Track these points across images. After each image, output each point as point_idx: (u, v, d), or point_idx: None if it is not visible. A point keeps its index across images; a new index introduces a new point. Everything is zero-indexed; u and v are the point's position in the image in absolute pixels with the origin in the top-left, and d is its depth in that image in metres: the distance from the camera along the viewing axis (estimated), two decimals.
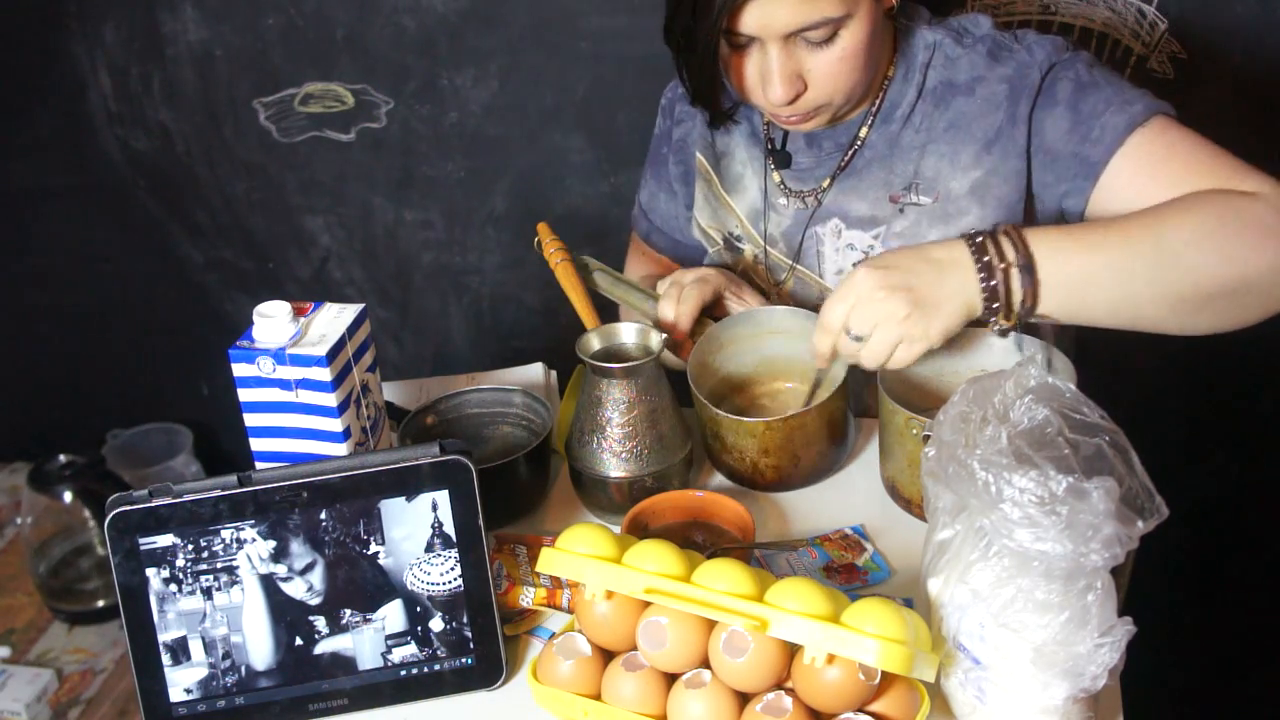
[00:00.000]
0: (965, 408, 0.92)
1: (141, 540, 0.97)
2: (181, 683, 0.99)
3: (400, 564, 1.00)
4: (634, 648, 0.95)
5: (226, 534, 0.98)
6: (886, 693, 0.90)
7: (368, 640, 1.01)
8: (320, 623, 1.00)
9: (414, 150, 2.00)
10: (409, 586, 1.00)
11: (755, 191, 1.39)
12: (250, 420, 1.09)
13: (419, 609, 1.01)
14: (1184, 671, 1.91)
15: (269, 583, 0.99)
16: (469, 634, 1.01)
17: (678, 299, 1.26)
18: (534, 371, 1.41)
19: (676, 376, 1.24)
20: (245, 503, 0.98)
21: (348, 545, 1.00)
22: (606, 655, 0.98)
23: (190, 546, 0.98)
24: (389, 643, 1.01)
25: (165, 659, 0.99)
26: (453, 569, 1.00)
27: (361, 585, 1.00)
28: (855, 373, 1.20)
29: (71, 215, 2.20)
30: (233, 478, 0.98)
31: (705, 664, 0.93)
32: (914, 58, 1.28)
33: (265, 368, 1.05)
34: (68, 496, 1.96)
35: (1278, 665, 1.98)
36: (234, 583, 0.99)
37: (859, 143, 1.31)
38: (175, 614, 0.99)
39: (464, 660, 1.02)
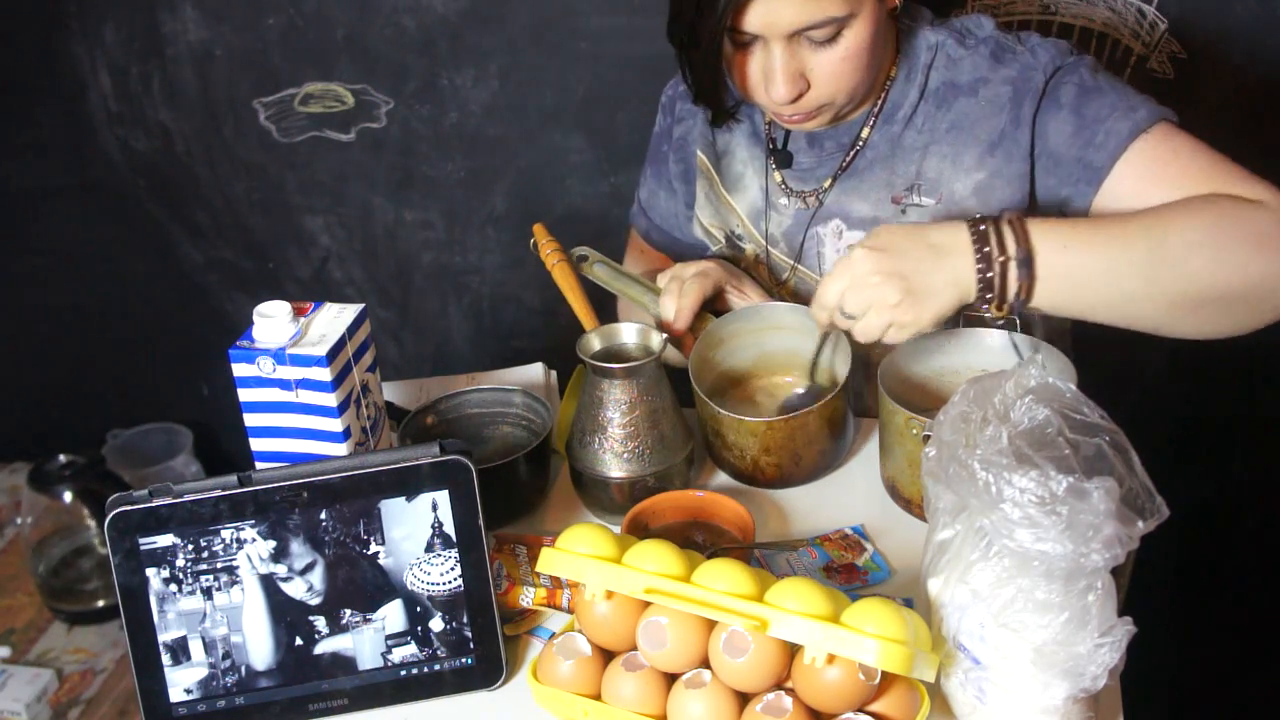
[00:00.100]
0: (965, 408, 0.92)
1: (141, 540, 0.97)
2: (181, 683, 0.99)
3: (400, 564, 1.00)
4: (634, 648, 0.95)
5: (226, 534, 0.98)
6: (886, 693, 0.90)
7: (368, 640, 1.01)
8: (320, 623, 1.00)
9: (414, 150, 2.00)
10: (409, 586, 1.00)
11: (756, 191, 1.39)
12: (250, 420, 1.09)
13: (419, 609, 1.01)
14: (1184, 671, 1.90)
15: (269, 583, 0.99)
16: (469, 634, 1.01)
17: (678, 293, 1.26)
18: (534, 371, 1.41)
19: (677, 375, 1.24)
20: (245, 503, 0.98)
21: (348, 545, 1.00)
22: (606, 655, 0.98)
23: (190, 546, 0.98)
24: (389, 643, 1.01)
25: (165, 659, 0.99)
26: (453, 569, 1.00)
27: (361, 585, 1.00)
28: (856, 373, 1.20)
29: (71, 215, 2.20)
30: (233, 478, 0.98)
31: (705, 664, 0.93)
32: (916, 58, 1.28)
33: (265, 368, 1.05)
34: (68, 496, 1.96)
35: (1278, 665, 1.98)
36: (234, 583, 0.99)
37: (861, 143, 1.31)
38: (175, 614, 0.99)
39: (464, 660, 1.02)
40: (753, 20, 1.14)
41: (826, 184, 1.34)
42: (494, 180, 2.00)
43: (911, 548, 1.09)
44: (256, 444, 1.10)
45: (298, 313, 1.08)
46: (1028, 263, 1.08)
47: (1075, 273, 1.09)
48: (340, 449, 1.08)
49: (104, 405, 2.38)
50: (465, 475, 0.99)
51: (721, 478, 1.26)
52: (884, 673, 0.89)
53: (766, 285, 1.38)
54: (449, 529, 1.00)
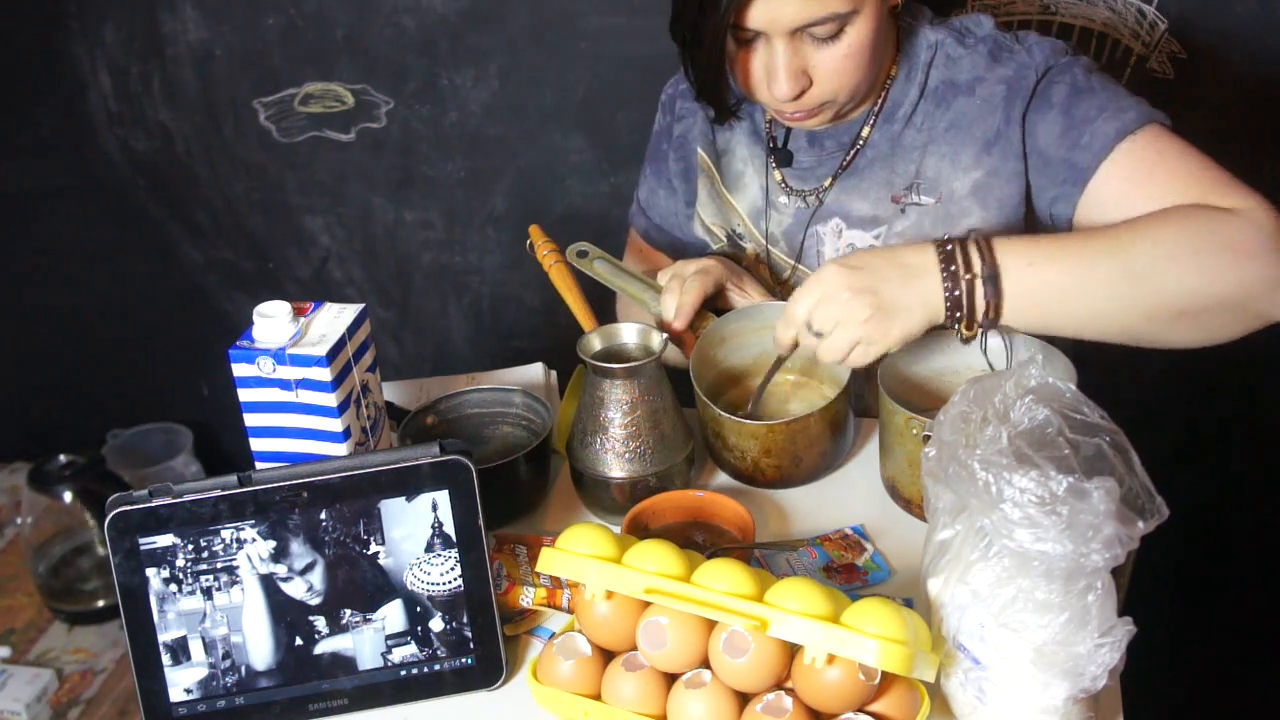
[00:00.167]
0: (965, 408, 0.92)
1: (141, 540, 0.97)
2: (181, 683, 0.99)
3: (400, 564, 1.00)
4: (634, 648, 0.95)
5: (226, 534, 0.98)
6: (886, 693, 0.90)
7: (368, 640, 1.01)
8: (320, 623, 1.00)
9: (414, 150, 2.00)
10: (409, 586, 1.00)
11: (756, 190, 1.39)
12: (250, 420, 1.09)
13: (419, 609, 1.01)
14: (1184, 671, 1.90)
15: (269, 583, 0.99)
16: (469, 634, 1.01)
17: (679, 290, 1.26)
18: (534, 371, 1.41)
19: (677, 375, 1.24)
20: (245, 503, 0.98)
21: (348, 545, 1.00)
22: (606, 655, 0.98)
23: (190, 546, 0.98)
24: (389, 643, 1.01)
25: (165, 659, 0.99)
26: (453, 569, 1.00)
27: (361, 585, 1.00)
28: (856, 374, 1.20)
29: (71, 215, 2.20)
30: (233, 478, 0.98)
31: (705, 664, 0.93)
32: (916, 57, 1.28)
33: (265, 368, 1.05)
34: (68, 496, 1.96)
35: (1278, 665, 1.98)
36: (234, 583, 0.99)
37: (861, 142, 1.31)
38: (175, 614, 0.99)
39: (464, 660, 1.02)
40: (756, 17, 1.14)
41: (826, 183, 1.34)
42: (494, 180, 2.00)
43: (911, 548, 1.09)
44: (256, 444, 1.10)
45: (298, 313, 1.08)
46: (994, 280, 1.08)
47: (1042, 289, 1.09)
48: (340, 449, 1.08)
49: (104, 405, 2.38)
50: (465, 475, 0.99)
51: (722, 478, 1.26)
52: (884, 673, 0.89)
53: (767, 284, 1.38)
54: (449, 529, 1.00)
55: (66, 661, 1.91)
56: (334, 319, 1.09)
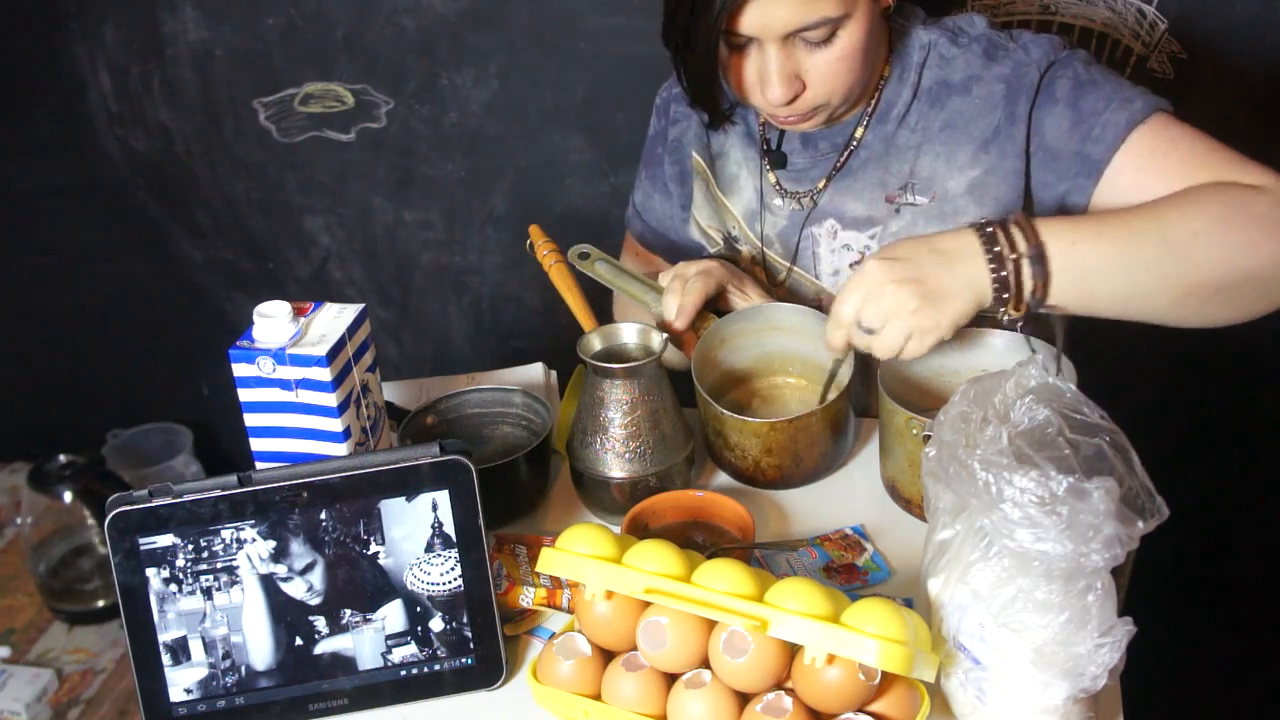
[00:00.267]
0: (965, 408, 0.92)
1: (141, 540, 0.97)
2: (181, 683, 0.99)
3: (400, 564, 1.00)
4: (634, 648, 0.95)
5: (226, 534, 0.98)
6: (886, 693, 0.90)
7: (368, 640, 1.01)
8: (320, 623, 1.00)
9: (414, 150, 2.00)
10: (409, 586, 1.00)
11: (750, 192, 1.39)
12: (250, 420, 1.09)
13: (419, 609, 1.01)
14: (1184, 671, 1.90)
15: (269, 583, 0.99)
16: (469, 634, 1.01)
17: (681, 291, 1.26)
18: (534, 371, 1.41)
19: (677, 375, 1.24)
20: (245, 503, 0.98)
21: (348, 545, 1.00)
22: (606, 655, 0.98)
23: (190, 546, 0.98)
24: (389, 643, 1.01)
25: (165, 659, 0.99)
26: (453, 569, 1.00)
27: (361, 585, 1.00)
28: (856, 373, 1.20)
29: (71, 215, 2.20)
30: (233, 478, 0.98)
31: (705, 664, 0.93)
32: (909, 58, 1.28)
33: (265, 368, 1.05)
34: (68, 496, 1.96)
35: (1278, 665, 1.98)
36: (234, 583, 0.99)
37: (854, 143, 1.31)
38: (175, 614, 0.99)
39: (464, 660, 1.02)
40: (748, 22, 1.14)
41: (821, 184, 1.34)
42: (494, 180, 2.00)
43: (911, 548, 1.09)
44: (256, 444, 1.10)
45: (298, 313, 1.08)
46: (1040, 259, 1.08)
47: (1087, 267, 1.09)
48: (340, 449, 1.08)
49: (104, 405, 2.38)
50: (465, 475, 0.99)
51: (722, 478, 1.26)
52: (884, 673, 0.89)
53: (766, 286, 1.38)
54: (449, 529, 1.00)
55: (66, 661, 1.91)
56: (334, 319, 1.09)
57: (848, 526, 1.16)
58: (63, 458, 1.97)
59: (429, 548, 1.00)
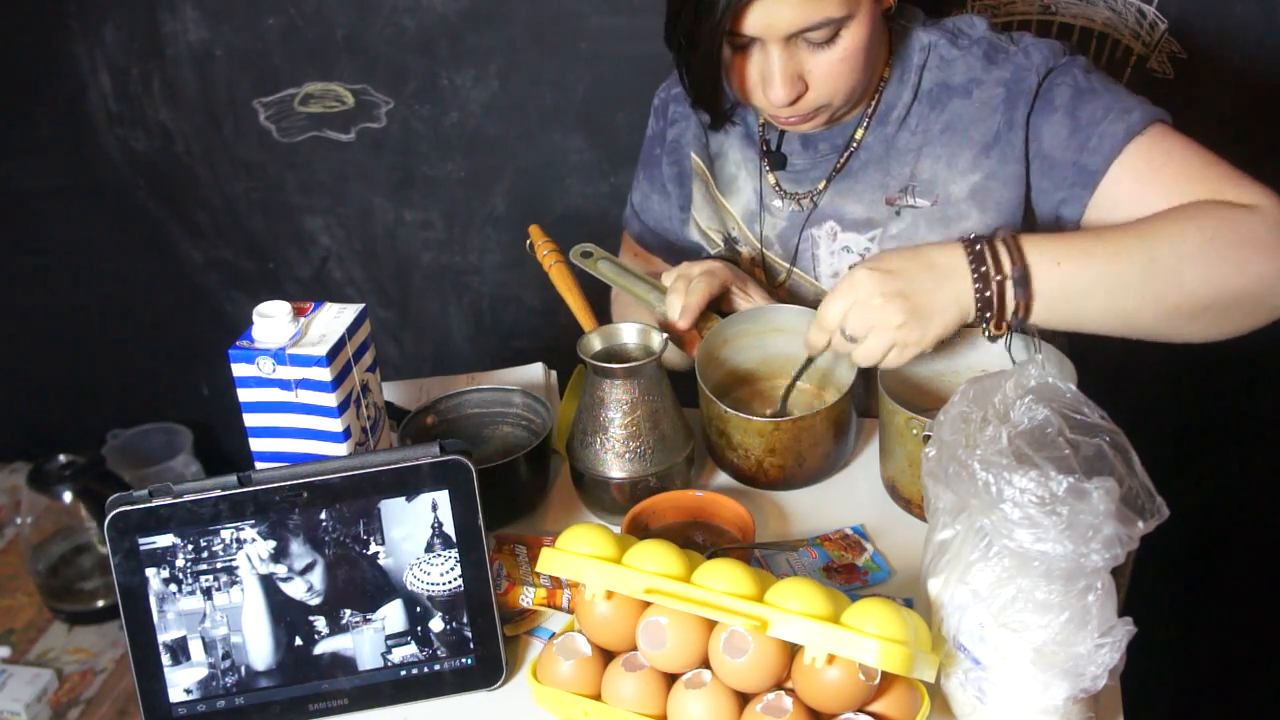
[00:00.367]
0: (965, 408, 0.92)
1: (141, 540, 0.97)
2: (181, 683, 0.99)
3: (400, 564, 1.00)
4: (634, 648, 0.95)
5: (226, 534, 0.98)
6: (886, 693, 0.90)
7: (368, 640, 1.01)
8: (320, 623, 1.00)
9: (414, 150, 2.00)
10: (409, 586, 1.00)
11: (750, 193, 1.39)
12: (250, 420, 1.09)
13: (419, 609, 1.01)
14: (1184, 671, 1.91)
15: (269, 583, 0.99)
16: (469, 634, 1.01)
17: (685, 291, 1.26)
18: (534, 371, 1.41)
19: (678, 375, 1.24)
20: (245, 503, 0.98)
21: (348, 545, 1.00)
22: (606, 655, 0.98)
23: (190, 546, 0.98)
24: (389, 643, 1.01)
25: (165, 659, 0.99)
26: (453, 569, 1.00)
27: (361, 585, 1.00)
28: (857, 374, 1.20)
29: (71, 215, 2.20)
30: (233, 478, 0.98)
31: (705, 664, 0.93)
32: (909, 59, 1.28)
33: (265, 368, 1.05)
34: (68, 496, 1.96)
35: (1278, 666, 1.98)
36: (234, 583, 0.99)
37: (854, 144, 1.31)
38: (175, 614, 0.99)
39: (464, 660, 1.02)
40: (751, 23, 1.14)
41: (820, 186, 1.34)
42: (494, 180, 2.00)
43: (911, 548, 1.09)
44: (256, 444, 1.10)
45: (298, 313, 1.08)
46: (1024, 281, 1.08)
47: (1071, 288, 1.09)
48: (340, 449, 1.08)
49: (104, 405, 2.38)
50: (465, 475, 0.99)
51: (722, 477, 1.25)
52: (884, 673, 0.89)
53: (767, 288, 1.38)
54: (449, 529, 1.00)
55: (66, 661, 1.91)
56: (334, 319, 1.09)
57: (848, 526, 1.16)
58: (63, 458, 1.97)
59: (429, 548, 1.00)
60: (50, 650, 1.93)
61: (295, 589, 1.00)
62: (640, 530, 1.13)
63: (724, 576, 0.92)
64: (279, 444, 1.09)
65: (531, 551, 1.12)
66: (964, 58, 1.27)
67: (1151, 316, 1.11)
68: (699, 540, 1.14)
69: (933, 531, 0.95)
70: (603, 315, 1.29)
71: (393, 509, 0.99)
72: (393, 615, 1.01)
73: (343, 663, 1.01)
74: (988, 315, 1.10)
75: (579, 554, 0.96)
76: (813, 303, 1.35)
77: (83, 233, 2.21)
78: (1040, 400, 0.91)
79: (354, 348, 1.09)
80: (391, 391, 1.38)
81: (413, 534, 1.00)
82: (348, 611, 1.00)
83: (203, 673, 0.99)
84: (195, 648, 0.99)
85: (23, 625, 1.98)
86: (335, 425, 1.07)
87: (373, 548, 1.00)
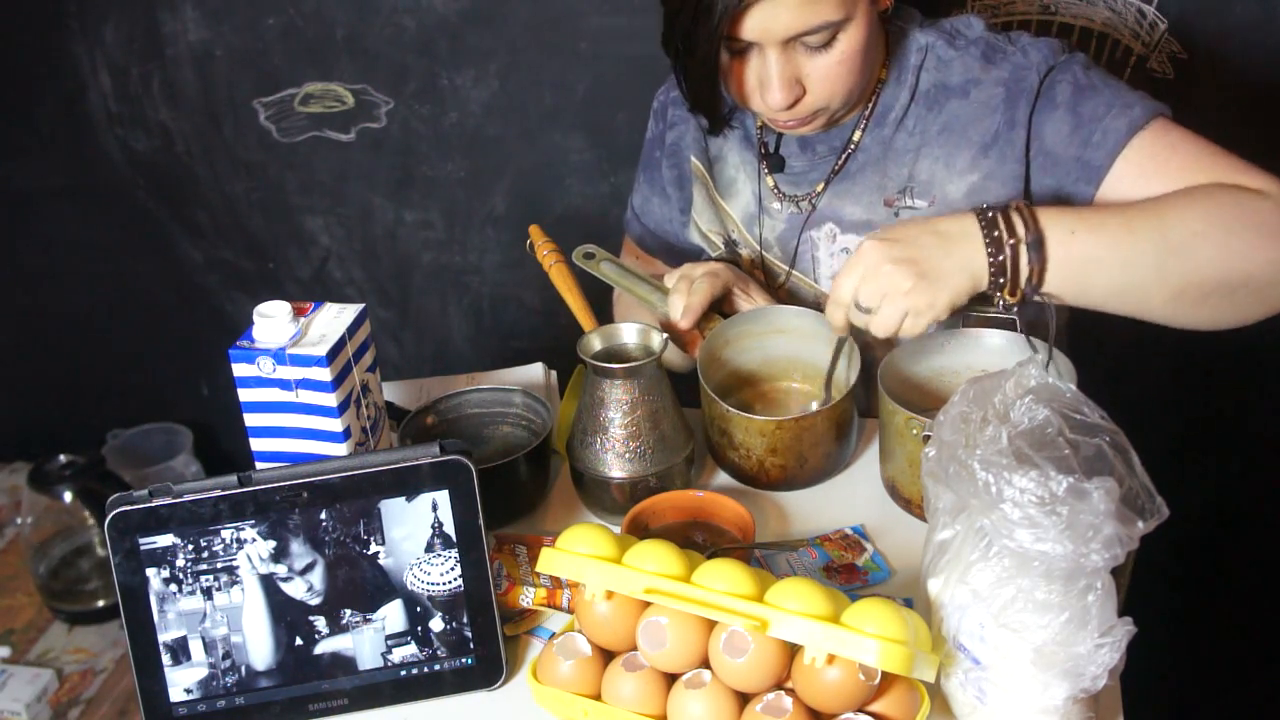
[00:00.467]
0: (965, 408, 0.92)
1: (141, 540, 0.97)
2: (181, 683, 0.99)
3: (400, 564, 1.00)
4: (634, 648, 0.95)
5: (226, 534, 0.98)
6: (886, 693, 0.90)
7: (368, 640, 1.01)
8: (320, 623, 1.00)
9: (414, 150, 2.00)
10: (409, 586, 1.00)
11: (749, 196, 1.39)
12: (250, 420, 1.09)
13: (419, 609, 1.01)
14: (1184, 671, 1.91)
15: (269, 583, 0.99)
16: (469, 634, 1.01)
17: (687, 291, 1.26)
18: (534, 371, 1.41)
19: (678, 375, 1.24)
20: (245, 503, 0.98)
21: (348, 545, 1.00)
22: (606, 655, 0.98)
23: (190, 546, 0.98)
24: (389, 643, 1.01)
25: (165, 659, 0.99)
26: (453, 569, 1.00)
27: (361, 585, 1.00)
28: (859, 373, 1.20)
29: (71, 215, 2.20)
30: (233, 478, 0.98)
31: (705, 664, 0.93)
32: (906, 60, 1.28)
33: (265, 368, 1.05)
34: (68, 496, 1.96)
35: (1277, 666, 1.98)
36: (234, 583, 0.99)
37: (852, 146, 1.31)
38: (175, 614, 0.99)
39: (464, 660, 1.02)
40: (749, 27, 1.14)
41: (819, 188, 1.34)
42: (494, 180, 2.00)
43: (911, 548, 1.09)
44: (256, 444, 1.10)
45: (298, 313, 1.08)
46: (1038, 245, 1.08)
47: (1084, 257, 1.09)
48: (340, 449, 1.08)
49: (104, 405, 2.38)
50: (465, 475, 0.99)
51: (722, 478, 1.26)
52: (884, 673, 0.89)
53: (768, 290, 1.38)
54: (449, 529, 1.00)
55: (66, 661, 1.91)
56: (334, 319, 1.09)
57: (848, 526, 1.16)
58: (63, 458, 1.97)
59: (429, 548, 1.00)
60: (50, 650, 1.93)
61: (295, 589, 1.00)
62: (640, 530, 1.13)
63: (724, 576, 0.92)
64: (279, 444, 1.09)
65: (531, 551, 1.12)
66: (961, 58, 1.26)
67: (1161, 294, 1.10)
68: (699, 540, 1.14)
69: (933, 531, 0.95)
70: (603, 316, 1.29)
71: (393, 509, 0.99)
72: (393, 615, 1.01)
73: (343, 663, 1.01)
74: (1001, 281, 1.09)
75: (579, 554, 0.96)
76: (812, 304, 1.35)
77: (83, 233, 2.21)
78: (1040, 400, 0.91)
79: (354, 348, 1.09)
80: (391, 391, 1.38)
81: (413, 534, 1.00)
82: (348, 611, 1.00)
83: (203, 673, 0.99)
84: (195, 648, 0.99)
85: (23, 625, 1.98)
86: (335, 425, 1.07)
87: (373, 548, 1.00)
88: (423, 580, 1.00)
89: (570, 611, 1.06)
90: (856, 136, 1.31)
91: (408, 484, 0.99)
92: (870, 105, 1.30)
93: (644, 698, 0.93)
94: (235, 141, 2.05)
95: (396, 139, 1.99)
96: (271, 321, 1.06)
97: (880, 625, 0.86)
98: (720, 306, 1.30)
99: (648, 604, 0.94)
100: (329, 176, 2.05)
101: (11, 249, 2.26)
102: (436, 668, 1.01)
